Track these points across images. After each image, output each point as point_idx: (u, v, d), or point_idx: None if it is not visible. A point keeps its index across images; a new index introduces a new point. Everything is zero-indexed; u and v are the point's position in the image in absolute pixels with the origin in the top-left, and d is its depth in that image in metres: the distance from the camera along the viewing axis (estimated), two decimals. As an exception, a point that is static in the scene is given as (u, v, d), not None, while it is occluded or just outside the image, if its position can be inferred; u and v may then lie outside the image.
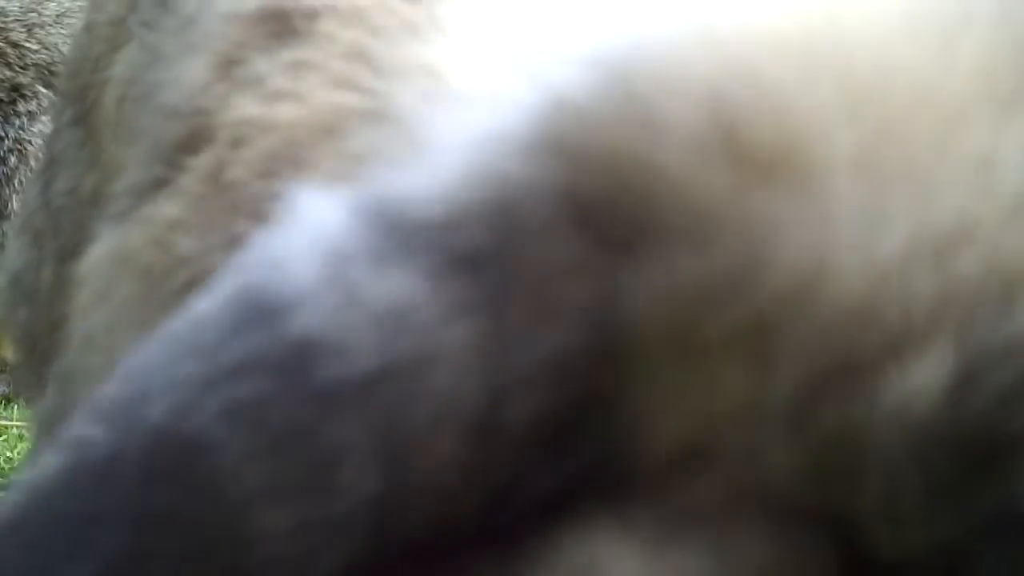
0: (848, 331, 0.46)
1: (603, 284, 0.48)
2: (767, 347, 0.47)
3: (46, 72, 2.76)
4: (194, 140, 0.74)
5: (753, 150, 0.47)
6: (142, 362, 0.50)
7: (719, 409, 0.48)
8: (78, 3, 2.76)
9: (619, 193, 0.48)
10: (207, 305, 0.50)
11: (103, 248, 0.81)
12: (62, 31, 2.77)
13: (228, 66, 0.74)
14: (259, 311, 0.48)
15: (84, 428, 0.49)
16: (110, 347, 0.76)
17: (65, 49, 2.70)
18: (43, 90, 2.75)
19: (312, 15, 0.71)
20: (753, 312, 0.47)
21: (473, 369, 0.47)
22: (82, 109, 1.08)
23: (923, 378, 0.46)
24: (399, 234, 0.49)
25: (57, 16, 2.79)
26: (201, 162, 0.72)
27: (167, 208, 0.73)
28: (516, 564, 0.49)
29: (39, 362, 1.18)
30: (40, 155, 2.62)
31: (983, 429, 0.46)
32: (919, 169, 0.47)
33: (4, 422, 2.44)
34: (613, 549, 0.48)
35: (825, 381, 0.47)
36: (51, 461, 0.50)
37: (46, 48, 2.77)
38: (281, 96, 0.69)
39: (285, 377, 0.47)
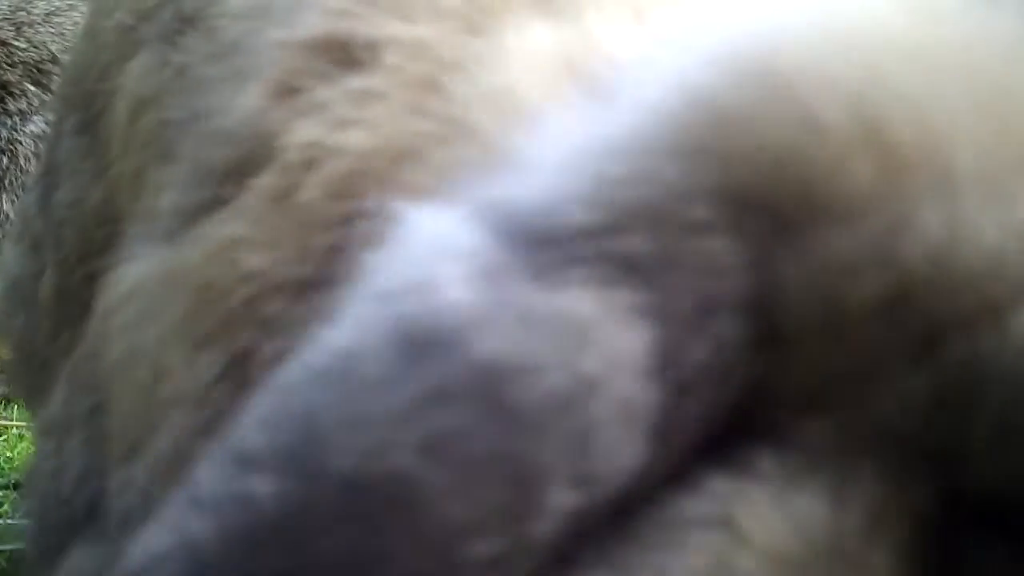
0: (979, 283, 0.51)
1: (760, 272, 0.52)
2: (903, 303, 0.52)
3: (34, 70, 2.74)
4: (253, 162, 0.75)
5: (893, 145, 0.53)
6: (292, 405, 0.49)
7: (840, 354, 0.52)
8: (68, 2, 2.74)
9: (774, 185, 0.52)
10: (355, 339, 0.49)
11: (148, 267, 0.81)
12: (51, 30, 2.75)
13: (286, 92, 0.75)
14: (428, 341, 0.49)
15: (236, 485, 0.48)
16: (160, 362, 0.76)
17: (54, 48, 2.69)
18: (32, 88, 2.74)
19: (373, 46, 0.72)
20: (894, 276, 0.52)
21: (653, 373, 0.50)
22: (87, 117, 1.07)
23: None
24: (547, 245, 0.50)
25: (46, 15, 2.77)
26: (264, 183, 0.73)
27: (229, 227, 0.74)
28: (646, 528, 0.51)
29: (39, 369, 1.17)
30: (31, 156, 2.61)
31: None
32: None
33: (4, 422, 2.43)
34: (746, 500, 0.51)
35: (955, 318, 0.51)
36: (193, 526, 0.48)
37: (35, 47, 2.75)
38: (349, 123, 0.70)
39: (478, 403, 0.48)
